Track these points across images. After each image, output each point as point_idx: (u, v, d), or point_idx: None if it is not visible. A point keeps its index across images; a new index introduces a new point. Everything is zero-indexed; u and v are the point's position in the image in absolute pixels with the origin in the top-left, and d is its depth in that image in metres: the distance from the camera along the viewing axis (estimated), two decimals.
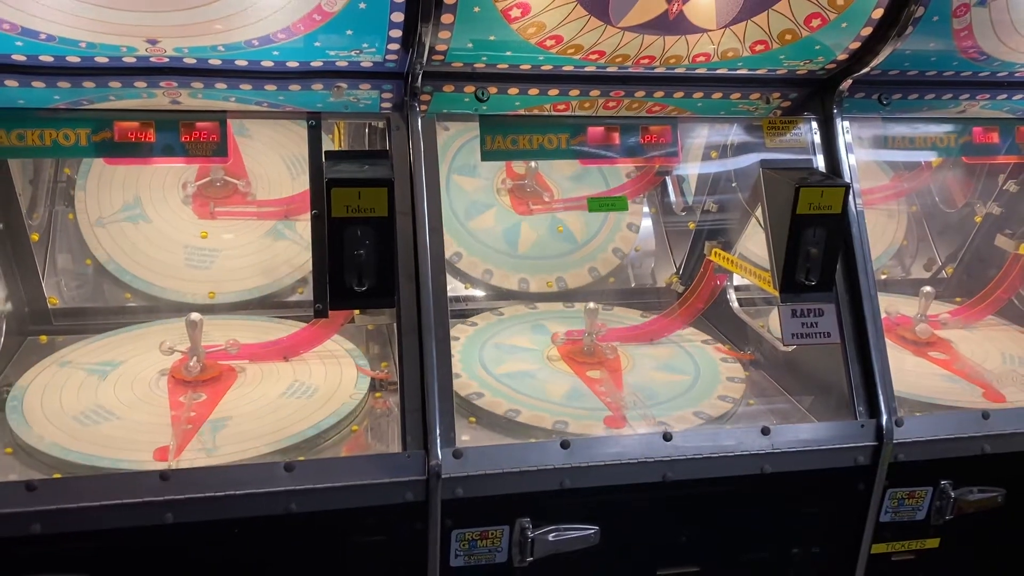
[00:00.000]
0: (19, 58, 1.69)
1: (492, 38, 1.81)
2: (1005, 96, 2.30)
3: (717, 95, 2.12)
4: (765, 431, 1.97)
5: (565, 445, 1.86)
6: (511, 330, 2.53)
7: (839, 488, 2.04)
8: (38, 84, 1.75)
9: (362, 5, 1.66)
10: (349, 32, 1.72)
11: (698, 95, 2.10)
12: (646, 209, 2.89)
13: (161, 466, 1.73)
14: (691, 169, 2.67)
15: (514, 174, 2.79)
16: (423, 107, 1.96)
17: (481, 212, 2.75)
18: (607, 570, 1.96)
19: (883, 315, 2.14)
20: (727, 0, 1.83)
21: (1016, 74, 2.20)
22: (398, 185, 1.81)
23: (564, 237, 2.80)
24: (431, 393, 1.81)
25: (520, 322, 2.59)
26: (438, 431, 1.79)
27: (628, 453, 1.88)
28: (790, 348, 2.21)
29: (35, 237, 2.39)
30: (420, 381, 1.83)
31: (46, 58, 1.69)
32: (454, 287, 2.67)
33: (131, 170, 2.52)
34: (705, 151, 2.54)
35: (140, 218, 2.48)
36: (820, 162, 2.19)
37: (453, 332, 2.27)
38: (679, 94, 2.09)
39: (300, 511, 1.71)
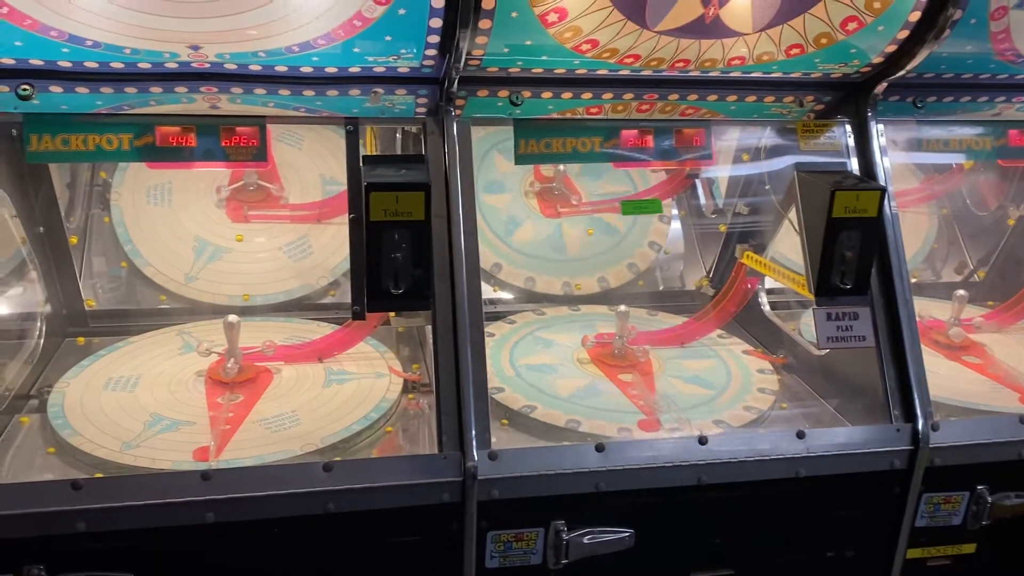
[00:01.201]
0: (65, 64, 1.71)
1: (528, 43, 1.82)
2: None
3: (751, 98, 2.11)
4: (800, 435, 1.96)
5: (600, 448, 1.86)
6: (545, 331, 2.54)
7: (874, 492, 2.03)
8: (82, 90, 1.78)
9: (401, 11, 1.67)
10: (388, 38, 1.73)
11: (732, 98, 2.10)
12: (675, 211, 2.89)
13: (202, 466, 1.76)
14: (722, 171, 2.66)
15: (542, 177, 2.79)
16: (458, 111, 1.98)
17: (513, 217, 2.76)
18: (641, 573, 1.96)
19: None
20: (763, 4, 1.83)
21: None
22: (433, 189, 1.82)
23: (597, 236, 2.80)
24: (466, 395, 1.82)
25: (553, 324, 2.60)
26: (473, 433, 1.80)
27: (663, 456, 1.89)
28: (824, 352, 2.20)
29: (73, 240, 2.43)
30: (455, 383, 1.84)
31: (91, 64, 1.72)
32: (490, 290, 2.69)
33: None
34: (737, 153, 2.53)
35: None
36: (854, 165, 2.18)
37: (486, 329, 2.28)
38: (713, 97, 2.09)
39: (338, 511, 1.73)
